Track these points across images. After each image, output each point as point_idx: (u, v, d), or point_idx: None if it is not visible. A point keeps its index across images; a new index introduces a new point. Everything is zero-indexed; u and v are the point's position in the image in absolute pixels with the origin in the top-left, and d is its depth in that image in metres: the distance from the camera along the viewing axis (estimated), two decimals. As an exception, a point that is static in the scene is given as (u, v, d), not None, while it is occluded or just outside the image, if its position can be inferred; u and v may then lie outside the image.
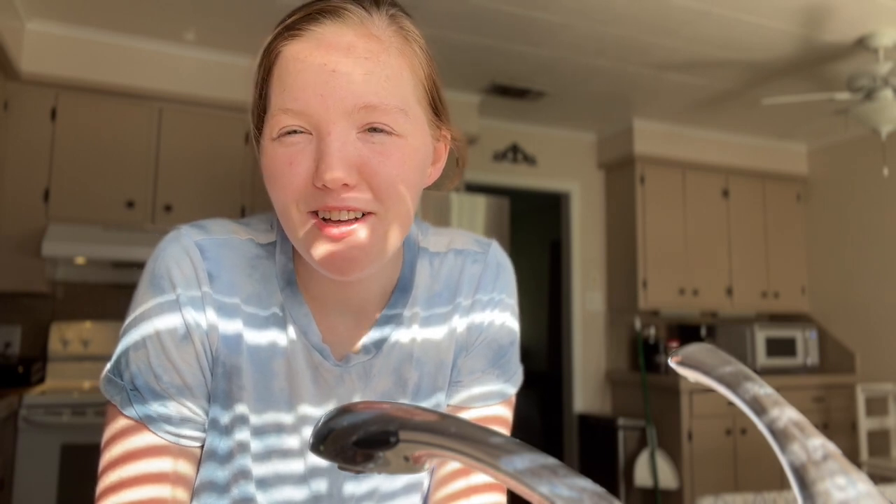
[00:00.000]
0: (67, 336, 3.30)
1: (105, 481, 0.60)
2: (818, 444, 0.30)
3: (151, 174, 3.32)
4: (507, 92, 4.01)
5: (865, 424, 3.75)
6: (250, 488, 0.65)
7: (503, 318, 0.76)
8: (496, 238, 0.81)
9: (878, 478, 3.62)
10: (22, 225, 3.07)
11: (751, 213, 4.88)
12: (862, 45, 3.25)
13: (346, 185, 0.56)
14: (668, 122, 4.58)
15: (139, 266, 3.45)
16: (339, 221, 0.57)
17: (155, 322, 0.62)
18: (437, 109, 0.64)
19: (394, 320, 0.70)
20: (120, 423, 0.62)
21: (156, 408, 0.61)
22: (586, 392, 4.69)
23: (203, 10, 3.06)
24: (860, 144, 4.61)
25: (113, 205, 3.23)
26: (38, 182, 3.13)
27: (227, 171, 3.42)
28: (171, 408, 0.62)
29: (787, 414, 0.31)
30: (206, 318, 0.63)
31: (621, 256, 4.65)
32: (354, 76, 0.56)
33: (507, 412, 0.76)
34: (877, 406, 4.04)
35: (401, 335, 0.70)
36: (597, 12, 3.02)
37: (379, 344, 0.69)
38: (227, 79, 3.45)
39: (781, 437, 0.31)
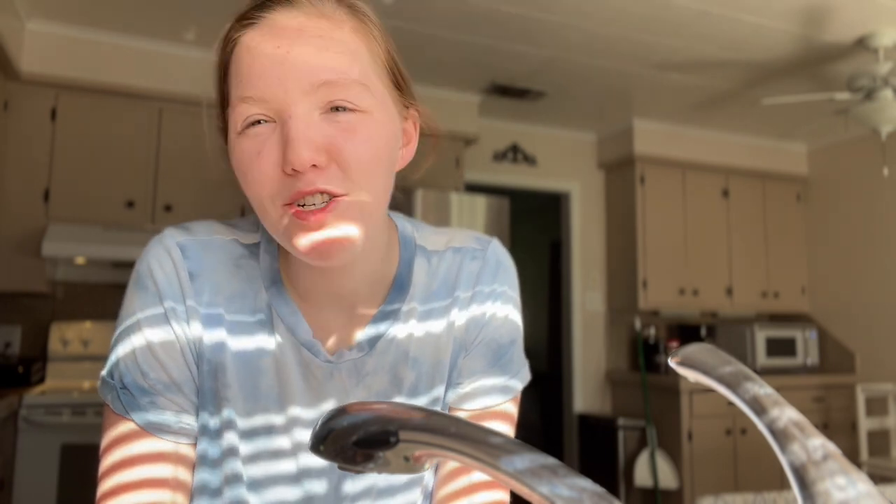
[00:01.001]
0: (67, 336, 3.30)
1: (103, 485, 0.61)
2: (818, 444, 0.30)
3: (151, 174, 3.32)
4: (507, 92, 4.01)
5: (865, 424, 3.75)
6: (242, 491, 0.66)
7: (505, 310, 0.74)
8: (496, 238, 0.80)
9: (878, 478, 3.62)
10: (22, 225, 3.07)
11: (751, 213, 4.88)
12: (862, 45, 3.25)
13: (314, 166, 0.55)
14: (668, 122, 4.58)
15: (139, 266, 3.45)
16: (314, 207, 0.56)
17: (141, 322, 0.63)
18: (400, 87, 0.63)
19: (390, 316, 0.69)
20: (113, 422, 0.63)
21: (144, 404, 0.62)
22: (586, 392, 4.69)
23: (203, 10, 3.06)
24: (860, 144, 4.61)
25: (113, 205, 3.23)
26: (38, 182, 3.13)
27: (228, 171, 3.41)
28: (160, 403, 0.63)
29: (787, 414, 0.31)
30: (189, 327, 0.65)
31: (621, 257, 4.65)
32: (308, 55, 0.56)
33: (511, 409, 0.75)
34: (877, 406, 4.04)
35: (397, 331, 0.69)
36: (597, 12, 3.02)
37: (373, 341, 0.68)
38: (227, 79, 3.44)
39: (781, 437, 0.31)
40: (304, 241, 0.57)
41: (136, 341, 0.63)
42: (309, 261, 0.59)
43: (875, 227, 4.53)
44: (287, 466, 0.67)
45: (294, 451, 0.67)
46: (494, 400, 0.73)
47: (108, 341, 3.29)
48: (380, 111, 0.59)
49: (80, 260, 3.16)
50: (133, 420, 0.62)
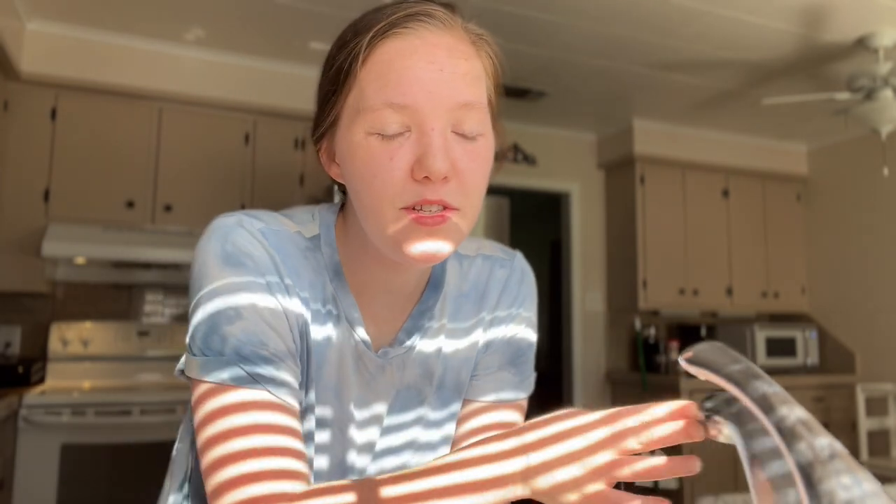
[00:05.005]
0: (67, 336, 3.29)
1: (227, 448, 0.57)
2: (825, 443, 0.30)
3: (151, 174, 3.31)
4: (507, 92, 4.00)
5: (865, 424, 3.75)
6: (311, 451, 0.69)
7: (518, 329, 0.81)
8: (496, 238, 0.83)
9: (878, 478, 3.61)
10: (22, 225, 3.06)
11: (751, 213, 4.88)
12: (862, 45, 3.24)
13: (445, 178, 0.59)
14: (668, 122, 4.57)
15: (139, 266, 3.46)
16: (430, 213, 0.60)
17: (246, 294, 0.61)
18: (497, 111, 0.69)
19: (427, 311, 0.74)
20: (232, 396, 0.59)
21: (271, 372, 0.60)
22: (586, 392, 4.69)
23: (204, 10, 3.05)
24: (860, 144, 4.61)
25: (113, 205, 3.22)
26: (38, 182, 3.12)
27: (227, 171, 3.41)
28: (283, 371, 0.61)
29: (795, 413, 0.31)
30: (291, 301, 0.65)
31: (621, 256, 4.65)
32: (458, 76, 0.60)
33: (518, 418, 0.79)
34: (877, 406, 4.03)
35: (432, 324, 0.74)
36: (597, 12, 3.01)
37: (412, 335, 0.73)
38: (227, 79, 3.44)
39: (789, 435, 0.31)
40: (415, 242, 0.61)
41: (245, 313, 0.60)
42: (409, 262, 0.63)
43: (875, 226, 4.52)
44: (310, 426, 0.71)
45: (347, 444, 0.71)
46: (505, 394, 0.79)
47: (108, 341, 3.25)
48: (490, 135, 0.65)
49: (80, 260, 3.15)
50: (262, 387, 0.59)
